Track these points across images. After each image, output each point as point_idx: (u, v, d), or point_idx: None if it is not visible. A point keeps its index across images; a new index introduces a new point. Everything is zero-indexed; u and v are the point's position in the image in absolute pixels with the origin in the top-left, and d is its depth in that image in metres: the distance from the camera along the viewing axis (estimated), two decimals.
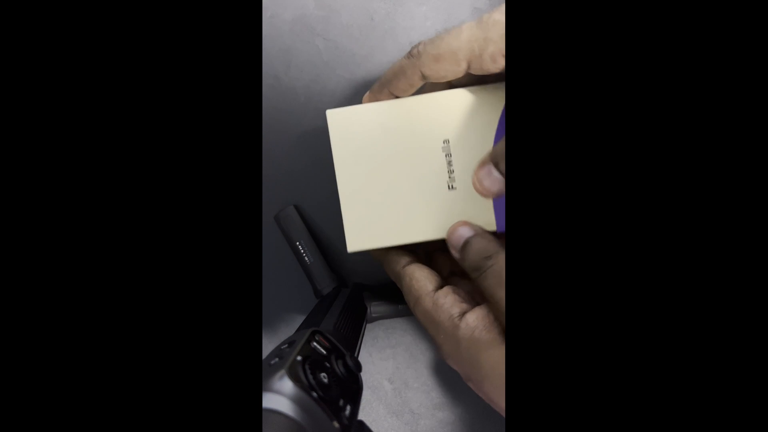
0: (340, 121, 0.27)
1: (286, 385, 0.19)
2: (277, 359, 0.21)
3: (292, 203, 0.35)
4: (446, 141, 0.26)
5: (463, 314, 0.24)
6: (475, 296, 0.27)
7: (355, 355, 0.28)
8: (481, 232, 0.26)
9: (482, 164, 0.24)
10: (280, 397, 0.18)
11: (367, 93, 0.28)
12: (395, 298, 0.35)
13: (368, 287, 0.37)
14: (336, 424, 0.19)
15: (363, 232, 0.27)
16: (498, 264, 0.23)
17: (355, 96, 0.34)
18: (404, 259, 0.28)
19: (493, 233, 0.26)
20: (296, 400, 0.19)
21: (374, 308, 0.35)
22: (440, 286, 0.26)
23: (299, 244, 0.34)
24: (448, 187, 0.27)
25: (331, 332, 0.26)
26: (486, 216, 0.26)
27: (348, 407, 0.21)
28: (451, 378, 0.39)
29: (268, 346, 0.38)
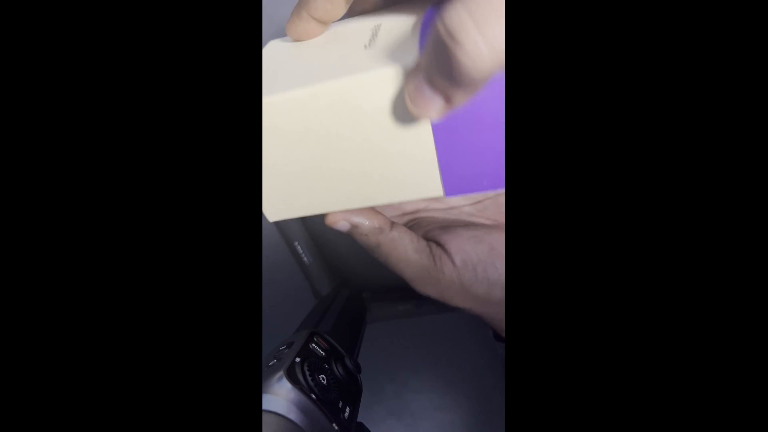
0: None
1: (285, 386, 0.19)
2: (275, 361, 0.21)
3: None
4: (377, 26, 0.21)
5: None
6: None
7: (355, 356, 0.28)
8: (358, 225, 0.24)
9: (411, 77, 0.17)
10: (278, 398, 0.18)
11: (288, 22, 0.23)
12: (396, 300, 0.35)
13: (368, 288, 0.37)
14: (335, 426, 0.19)
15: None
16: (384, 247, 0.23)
17: None
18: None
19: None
20: (295, 402, 0.18)
21: (374, 309, 0.35)
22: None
23: (297, 245, 0.34)
24: (364, 47, 0.19)
25: (330, 333, 0.26)
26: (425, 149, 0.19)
27: (347, 409, 0.21)
28: (451, 380, 0.39)
29: (266, 348, 0.38)
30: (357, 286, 0.36)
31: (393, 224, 0.26)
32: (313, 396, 0.19)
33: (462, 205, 0.28)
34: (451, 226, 0.27)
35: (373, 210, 0.26)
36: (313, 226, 0.36)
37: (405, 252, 0.26)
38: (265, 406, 0.18)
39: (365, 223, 0.26)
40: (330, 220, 0.25)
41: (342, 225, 0.26)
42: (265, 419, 0.18)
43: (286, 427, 0.18)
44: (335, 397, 0.21)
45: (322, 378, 0.21)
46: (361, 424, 0.23)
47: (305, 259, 0.34)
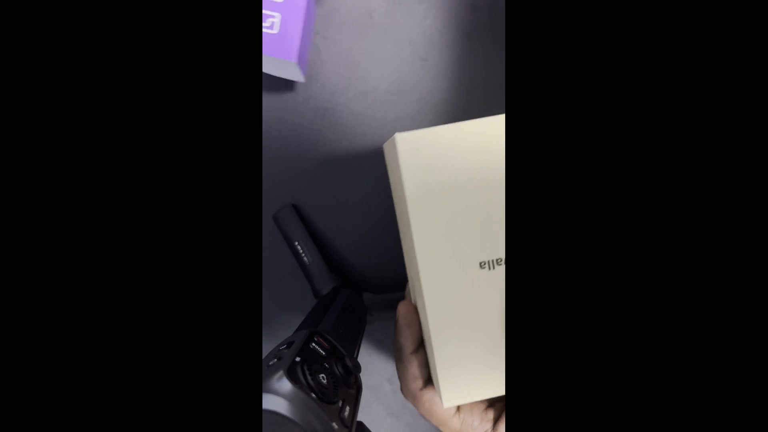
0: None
1: (285, 386, 0.19)
2: (276, 360, 0.21)
3: (290, 202, 0.35)
4: None
5: (494, 426, 0.24)
6: None
7: (355, 355, 0.28)
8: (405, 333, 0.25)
9: None
10: (278, 398, 0.18)
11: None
12: (395, 300, 0.35)
13: (368, 288, 0.37)
14: (335, 426, 0.19)
15: (464, 373, 0.23)
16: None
17: (354, 96, 0.34)
18: (423, 376, 0.25)
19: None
20: (295, 402, 0.18)
21: (374, 309, 0.35)
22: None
23: (298, 244, 0.34)
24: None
25: (330, 333, 0.26)
26: None
27: (347, 408, 0.21)
28: None
29: (266, 347, 0.38)
30: (357, 286, 0.36)
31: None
32: (314, 395, 0.19)
33: None
34: None
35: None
36: (314, 227, 0.36)
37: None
38: (265, 405, 0.18)
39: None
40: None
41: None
42: (266, 418, 0.18)
43: (286, 426, 0.18)
44: (335, 396, 0.21)
45: (323, 377, 0.21)
46: (361, 424, 0.23)
47: (306, 259, 0.34)
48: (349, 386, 0.23)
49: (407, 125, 0.34)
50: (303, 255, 0.34)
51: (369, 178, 0.35)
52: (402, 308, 0.26)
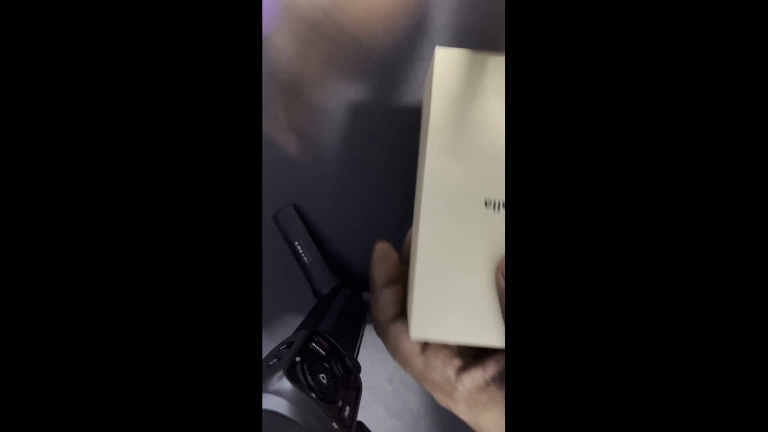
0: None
1: (285, 386, 0.19)
2: (275, 360, 0.21)
3: (291, 203, 0.35)
4: None
5: (458, 374, 0.23)
6: None
7: (355, 355, 0.28)
8: (391, 271, 0.25)
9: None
10: (278, 398, 0.18)
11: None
12: None
13: (368, 288, 0.37)
14: (335, 426, 0.19)
15: (441, 306, 0.22)
16: (390, 337, 0.24)
17: (355, 96, 0.34)
18: (391, 310, 0.25)
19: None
20: (295, 401, 0.18)
21: None
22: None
23: (298, 244, 0.34)
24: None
25: (330, 333, 0.26)
26: None
27: (347, 408, 0.21)
28: None
29: (266, 347, 0.38)
30: (357, 286, 0.36)
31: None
32: (314, 395, 0.19)
33: None
34: None
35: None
36: (314, 227, 0.36)
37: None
38: (265, 405, 0.18)
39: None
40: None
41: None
42: (266, 418, 0.18)
43: (286, 426, 0.18)
44: (335, 396, 0.21)
45: (323, 377, 0.21)
46: (361, 424, 0.23)
47: (306, 259, 0.34)
48: (349, 386, 0.23)
49: (407, 125, 0.34)
50: (303, 255, 0.34)
51: (369, 178, 0.35)
52: (378, 245, 0.26)
